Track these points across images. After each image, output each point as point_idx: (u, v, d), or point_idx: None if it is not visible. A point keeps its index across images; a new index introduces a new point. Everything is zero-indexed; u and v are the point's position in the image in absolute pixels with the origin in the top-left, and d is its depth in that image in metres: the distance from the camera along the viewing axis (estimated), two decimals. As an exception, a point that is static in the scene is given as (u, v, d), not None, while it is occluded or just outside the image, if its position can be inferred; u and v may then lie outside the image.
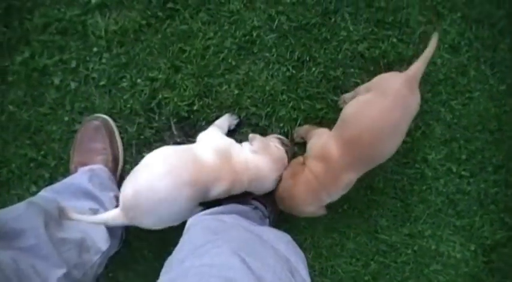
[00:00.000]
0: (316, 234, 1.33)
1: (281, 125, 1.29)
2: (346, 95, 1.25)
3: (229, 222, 1.01)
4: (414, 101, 1.06)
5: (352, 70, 1.29)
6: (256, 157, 1.08)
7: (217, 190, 1.04)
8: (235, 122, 1.27)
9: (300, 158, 1.13)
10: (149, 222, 1.02)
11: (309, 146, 1.14)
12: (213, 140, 1.11)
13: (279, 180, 1.13)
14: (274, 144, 1.14)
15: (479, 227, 1.34)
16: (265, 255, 0.81)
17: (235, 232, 0.92)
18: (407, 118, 1.05)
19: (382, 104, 1.01)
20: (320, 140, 1.11)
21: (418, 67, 1.06)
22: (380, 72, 1.26)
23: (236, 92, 1.28)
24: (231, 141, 1.12)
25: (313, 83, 1.29)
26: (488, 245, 1.35)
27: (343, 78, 1.29)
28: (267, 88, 1.28)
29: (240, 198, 1.18)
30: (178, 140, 1.29)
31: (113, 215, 1.01)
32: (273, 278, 0.74)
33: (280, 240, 0.96)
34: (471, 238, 1.34)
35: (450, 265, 1.35)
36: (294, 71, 1.28)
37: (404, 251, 1.34)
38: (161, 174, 0.98)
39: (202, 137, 1.13)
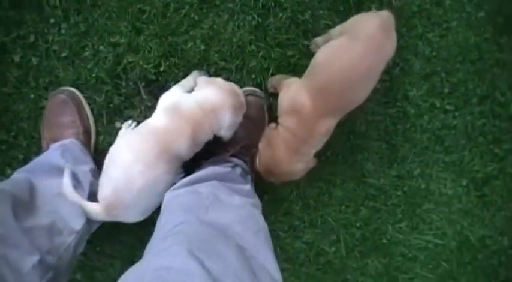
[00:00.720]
0: (302, 185, 1.29)
1: (253, 76, 1.24)
2: (318, 39, 1.19)
3: (205, 193, 0.98)
4: (390, 45, 1.01)
5: (321, 12, 1.23)
6: (204, 91, 1.04)
7: (184, 146, 1.00)
8: (205, 79, 1.22)
9: (272, 125, 1.09)
10: (137, 214, 1.02)
11: (279, 100, 1.09)
12: (163, 102, 1.07)
13: (240, 114, 1.08)
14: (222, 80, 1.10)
15: (469, 161, 1.30)
16: (227, 255, 0.77)
17: (203, 227, 0.87)
18: (381, 63, 1.00)
19: (354, 50, 0.96)
20: (289, 92, 1.06)
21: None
22: (350, 11, 1.22)
23: (203, 47, 1.23)
24: (180, 95, 1.07)
25: (281, 30, 1.23)
26: (480, 178, 1.31)
27: (313, 21, 1.23)
28: (234, 40, 1.23)
29: (217, 155, 1.14)
30: (149, 104, 1.24)
31: (95, 211, 1.00)
32: (233, 281, 0.72)
33: (250, 231, 0.90)
34: (462, 173, 1.31)
35: (443, 203, 1.31)
36: (260, 19, 1.23)
37: (394, 193, 1.30)
38: (130, 161, 0.97)
39: (161, 99, 1.09)
